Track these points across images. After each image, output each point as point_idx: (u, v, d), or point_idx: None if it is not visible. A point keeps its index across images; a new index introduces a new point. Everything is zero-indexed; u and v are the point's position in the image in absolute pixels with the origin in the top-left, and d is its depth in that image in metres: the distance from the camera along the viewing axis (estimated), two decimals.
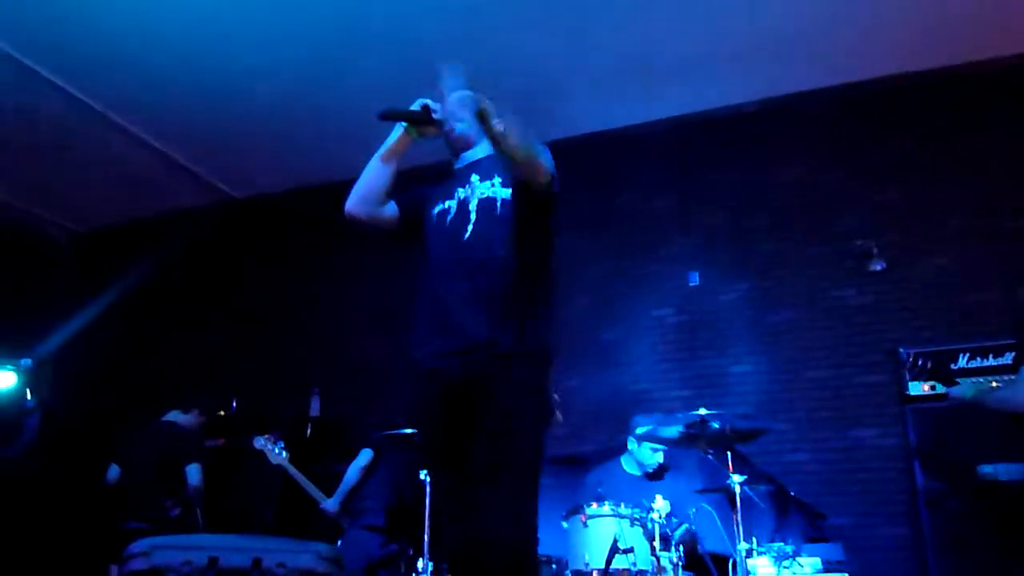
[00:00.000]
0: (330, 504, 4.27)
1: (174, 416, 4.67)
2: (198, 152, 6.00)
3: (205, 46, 4.79)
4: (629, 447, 4.16)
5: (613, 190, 5.57)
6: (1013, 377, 3.91)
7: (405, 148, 2.33)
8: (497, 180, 2.23)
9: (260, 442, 4.45)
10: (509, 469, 1.93)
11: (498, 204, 2.18)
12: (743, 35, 4.71)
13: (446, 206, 2.28)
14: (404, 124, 2.30)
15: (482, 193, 2.22)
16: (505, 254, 2.11)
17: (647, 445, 4.03)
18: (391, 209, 2.36)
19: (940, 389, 4.19)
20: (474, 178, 2.26)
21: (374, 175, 2.32)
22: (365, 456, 4.23)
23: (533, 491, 1.95)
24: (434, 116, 2.26)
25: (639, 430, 3.92)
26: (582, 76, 5.07)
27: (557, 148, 5.88)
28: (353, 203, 2.32)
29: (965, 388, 3.39)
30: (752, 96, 5.31)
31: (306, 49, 4.82)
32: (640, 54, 4.88)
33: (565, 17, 4.54)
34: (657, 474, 4.09)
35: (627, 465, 4.28)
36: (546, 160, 2.16)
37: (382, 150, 2.33)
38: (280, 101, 5.33)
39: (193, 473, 4.42)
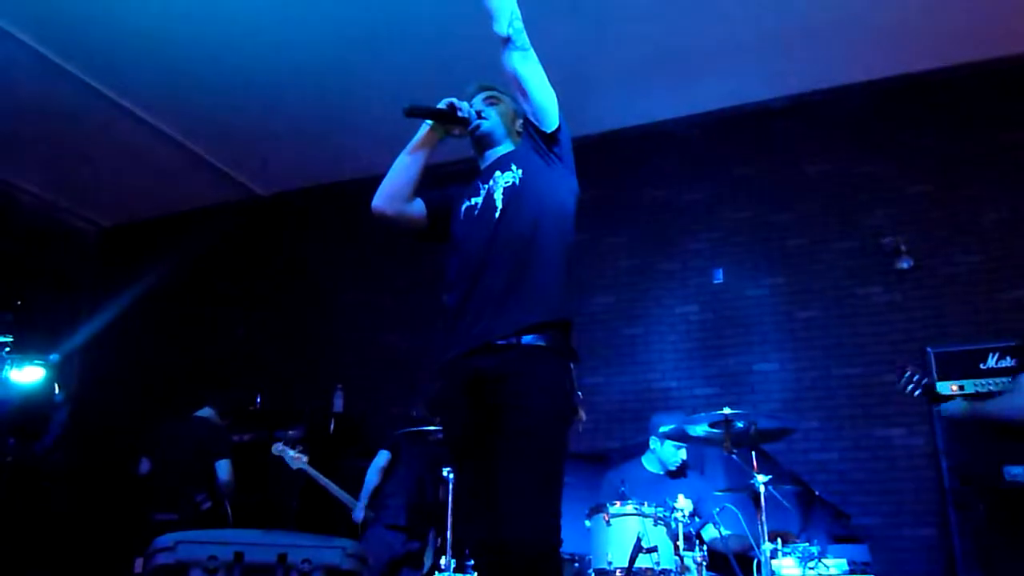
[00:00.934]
0: (358, 515, 4.28)
1: (207, 412, 4.73)
2: (224, 149, 6.05)
3: (232, 45, 4.83)
4: (651, 445, 4.13)
5: (639, 186, 5.54)
6: (1008, 381, 3.83)
7: (432, 146, 2.33)
8: (516, 168, 2.24)
9: (279, 448, 4.46)
10: (532, 467, 1.92)
11: (519, 185, 2.19)
12: (771, 30, 4.66)
13: (472, 202, 2.28)
14: (430, 122, 2.30)
15: (506, 182, 2.22)
16: (534, 234, 2.11)
17: (670, 443, 4.00)
18: (419, 207, 2.36)
19: (969, 389, 4.12)
20: (497, 173, 2.27)
21: (401, 172, 2.32)
22: (383, 457, 4.24)
23: (556, 489, 1.94)
24: (459, 115, 2.26)
25: (662, 428, 3.90)
26: (610, 72, 5.05)
27: (583, 143, 5.91)
28: (380, 200, 2.32)
29: (958, 404, 3.28)
30: (780, 92, 5.25)
31: (331, 47, 4.84)
32: (668, 49, 4.84)
33: (593, 12, 4.51)
34: (679, 472, 4.06)
35: (648, 464, 4.25)
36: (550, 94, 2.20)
37: (409, 147, 2.33)
38: (305, 99, 5.36)
39: (224, 468, 4.46)
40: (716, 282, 5.13)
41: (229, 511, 4.50)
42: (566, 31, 4.62)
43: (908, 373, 3.37)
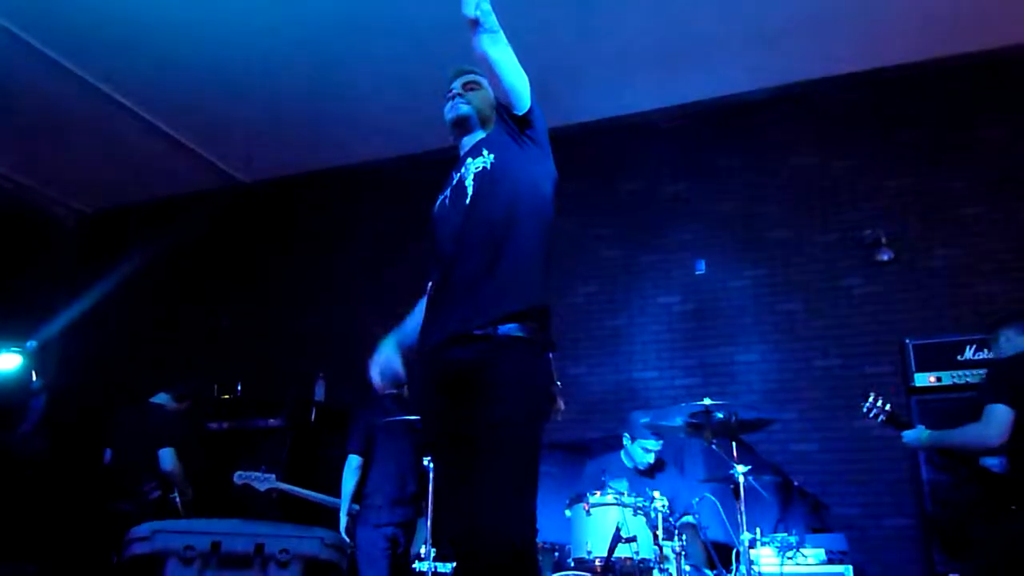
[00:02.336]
0: (344, 529, 4.14)
1: (161, 398, 4.66)
2: (206, 136, 5.96)
3: (213, 31, 4.75)
4: (624, 443, 4.12)
5: (622, 176, 5.53)
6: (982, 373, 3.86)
7: None
8: (487, 153, 2.20)
9: (241, 477, 4.25)
10: (507, 458, 1.90)
11: (490, 169, 2.15)
12: (755, 23, 4.65)
13: (446, 192, 2.26)
14: None
15: (476, 168, 2.19)
16: (508, 219, 2.07)
17: (640, 443, 3.98)
18: None
19: (947, 380, 4.16)
20: (469, 160, 2.24)
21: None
22: (354, 461, 4.14)
23: (532, 480, 1.92)
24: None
25: (641, 420, 3.90)
26: (594, 62, 5.02)
27: (567, 134, 5.90)
28: None
29: (919, 432, 3.26)
30: (763, 84, 5.24)
31: (314, 34, 4.77)
32: (652, 41, 4.82)
33: (579, 3, 4.48)
34: (648, 473, 4.05)
35: (625, 460, 4.25)
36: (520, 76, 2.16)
37: None
38: (288, 87, 5.29)
39: (165, 457, 4.38)
40: (698, 273, 5.12)
41: (178, 501, 4.41)
42: (552, 21, 4.59)
43: (872, 399, 3.38)
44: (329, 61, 5.03)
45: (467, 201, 2.14)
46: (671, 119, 5.49)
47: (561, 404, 2.11)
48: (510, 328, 1.98)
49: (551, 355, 2.08)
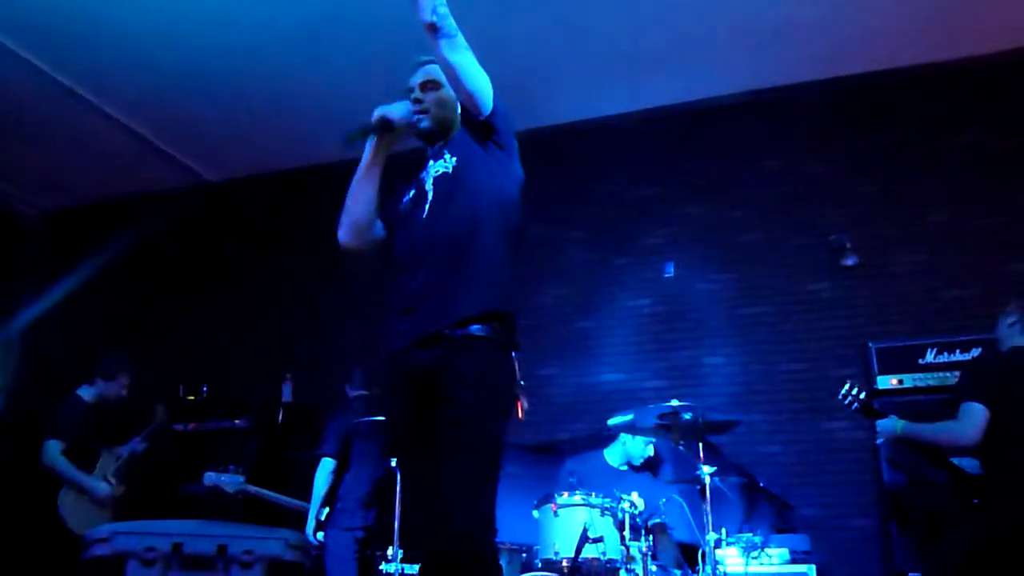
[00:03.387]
0: (310, 528, 4.04)
1: (84, 391, 4.57)
2: (173, 134, 5.86)
3: (183, 30, 4.69)
4: (622, 438, 4.14)
5: (593, 180, 5.54)
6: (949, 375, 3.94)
7: (381, 164, 2.25)
8: (449, 156, 2.19)
9: (211, 478, 4.17)
10: (466, 457, 1.90)
11: (451, 173, 2.15)
12: (726, 29, 4.69)
13: (408, 195, 2.24)
14: (372, 138, 2.20)
15: (436, 171, 2.18)
16: (469, 223, 2.07)
17: (641, 438, 4.01)
18: (379, 228, 2.29)
19: (908, 383, 4.23)
20: (431, 163, 2.23)
21: (358, 199, 2.23)
22: (329, 464, 4.11)
23: (491, 479, 1.92)
24: (396, 123, 2.19)
25: (616, 419, 3.94)
26: (568, 65, 5.03)
27: (540, 136, 5.89)
28: (346, 235, 2.25)
29: (893, 422, 3.26)
30: (733, 89, 5.29)
31: (285, 32, 4.72)
32: (624, 46, 4.84)
33: (554, 5, 4.49)
34: (645, 467, 4.08)
35: (611, 457, 4.27)
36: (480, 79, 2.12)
37: (359, 171, 2.24)
38: (256, 86, 5.23)
39: (46, 450, 4.30)
40: (667, 276, 5.16)
41: (59, 505, 4.21)
42: (527, 26, 4.59)
43: (848, 386, 3.42)
44: (296, 60, 4.97)
45: (427, 205, 2.14)
46: (642, 123, 5.52)
47: (525, 403, 2.11)
48: (471, 329, 1.98)
49: (515, 355, 2.07)
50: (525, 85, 5.08)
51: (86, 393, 4.56)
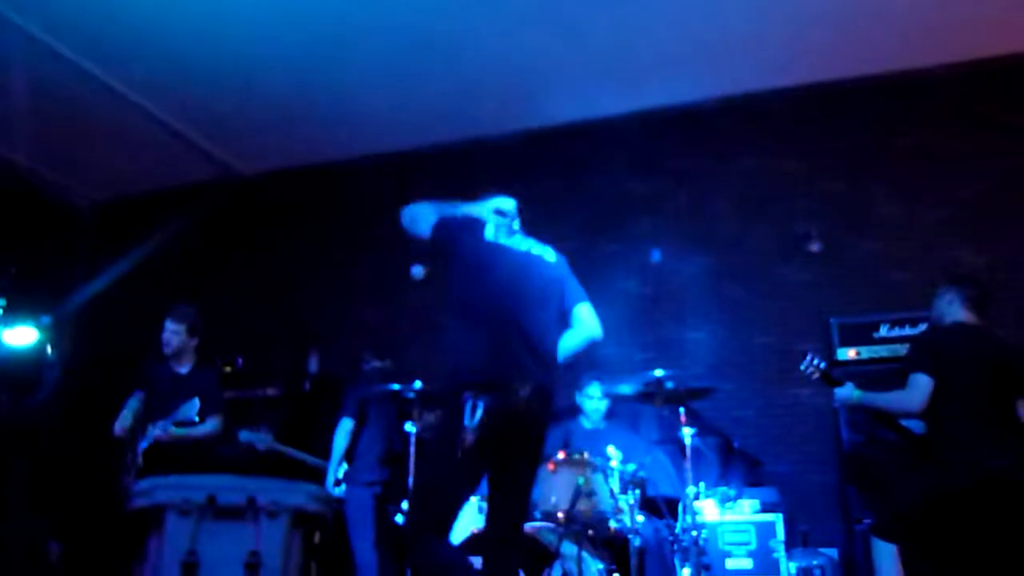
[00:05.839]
0: (331, 481, 4.04)
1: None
2: (209, 129, 5.76)
3: (217, 27, 4.57)
4: (578, 402, 4.10)
5: (588, 174, 5.47)
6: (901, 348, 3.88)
7: None
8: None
9: (245, 435, 4.18)
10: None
11: None
12: (707, 39, 4.62)
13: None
14: None
15: None
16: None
17: (587, 392, 3.99)
18: None
19: (865, 355, 4.18)
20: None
21: None
22: (348, 424, 4.08)
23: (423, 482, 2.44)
24: None
25: (589, 388, 3.92)
26: (564, 70, 4.94)
27: (539, 136, 5.81)
28: None
29: (849, 391, 3.16)
30: (713, 94, 5.21)
31: (316, 31, 4.60)
32: (617, 52, 4.76)
33: (552, 12, 4.40)
34: (605, 421, 4.04)
35: (585, 421, 4.23)
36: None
37: None
38: (289, 84, 5.11)
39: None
40: (654, 261, 5.11)
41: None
42: (526, 31, 4.51)
43: (809, 358, 3.36)
44: (327, 59, 4.84)
45: None
46: (632, 123, 5.44)
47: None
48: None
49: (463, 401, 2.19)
50: (525, 88, 5.02)
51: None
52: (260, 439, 4.18)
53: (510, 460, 2.30)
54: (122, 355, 5.84)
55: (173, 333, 3.98)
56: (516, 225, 2.59)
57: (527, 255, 2.53)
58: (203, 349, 5.10)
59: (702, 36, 4.60)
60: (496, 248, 2.48)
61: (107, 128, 5.66)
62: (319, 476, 4.06)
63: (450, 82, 4.92)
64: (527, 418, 2.27)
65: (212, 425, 3.84)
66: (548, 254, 2.62)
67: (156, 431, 3.65)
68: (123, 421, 3.84)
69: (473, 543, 3.10)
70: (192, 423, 3.70)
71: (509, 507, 2.32)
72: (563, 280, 2.60)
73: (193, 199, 6.38)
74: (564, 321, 2.56)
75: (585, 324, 2.57)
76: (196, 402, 3.64)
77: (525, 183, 5.63)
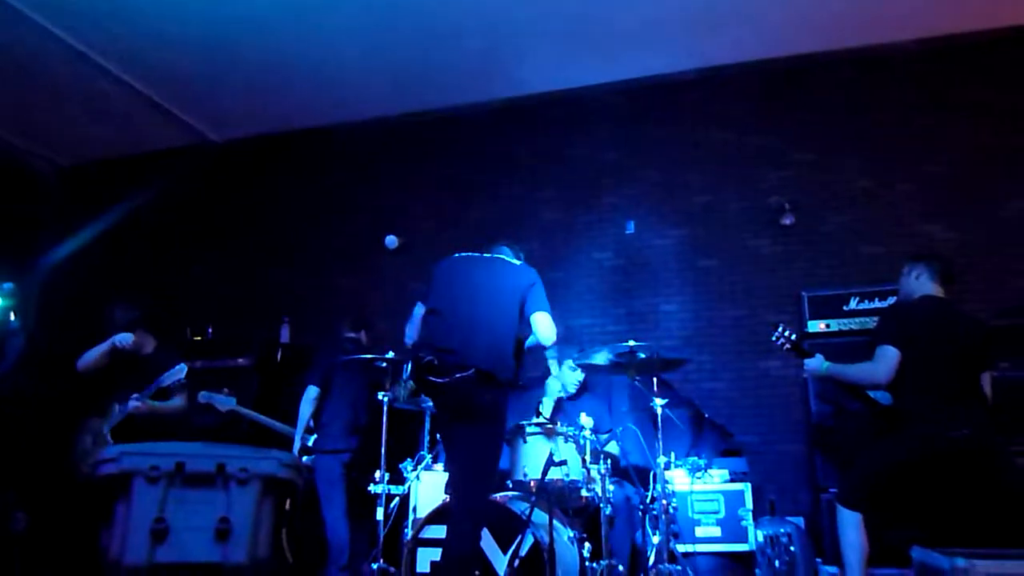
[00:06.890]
0: (296, 447, 3.95)
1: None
2: (179, 95, 5.55)
3: None
4: (554, 371, 4.07)
5: (565, 145, 5.39)
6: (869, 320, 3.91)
7: None
8: None
9: (204, 396, 4.02)
10: None
11: None
12: (685, 10, 4.53)
13: None
14: None
15: None
16: None
17: (567, 366, 3.96)
18: None
19: (835, 327, 4.21)
20: None
21: None
22: (313, 392, 3.99)
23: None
24: None
25: (568, 362, 3.89)
26: (541, 39, 4.82)
27: (516, 105, 5.70)
28: None
29: (819, 362, 3.17)
30: (689, 66, 5.15)
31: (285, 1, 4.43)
32: (594, 21, 4.64)
33: None
34: (577, 395, 4.02)
35: (550, 391, 4.19)
36: None
37: None
38: (260, 50, 4.93)
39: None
40: (628, 233, 5.07)
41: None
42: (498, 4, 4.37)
43: (781, 329, 3.35)
44: (299, 26, 4.68)
45: None
46: (609, 94, 5.36)
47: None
48: None
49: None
50: (504, 57, 4.90)
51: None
52: (221, 401, 4.04)
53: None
54: (88, 323, 5.67)
55: (127, 343, 3.81)
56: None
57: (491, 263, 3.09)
58: (171, 320, 4.97)
59: (677, 8, 4.52)
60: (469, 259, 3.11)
61: (73, 93, 5.42)
62: (288, 443, 3.99)
63: (423, 49, 4.79)
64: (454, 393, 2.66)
65: (179, 402, 3.76)
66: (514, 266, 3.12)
67: (134, 402, 3.55)
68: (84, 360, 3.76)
69: (439, 513, 3.14)
70: (181, 385, 3.69)
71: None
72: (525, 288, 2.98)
73: (163, 165, 6.17)
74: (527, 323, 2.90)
75: (537, 331, 2.91)
76: (183, 367, 3.62)
77: (500, 153, 5.55)
